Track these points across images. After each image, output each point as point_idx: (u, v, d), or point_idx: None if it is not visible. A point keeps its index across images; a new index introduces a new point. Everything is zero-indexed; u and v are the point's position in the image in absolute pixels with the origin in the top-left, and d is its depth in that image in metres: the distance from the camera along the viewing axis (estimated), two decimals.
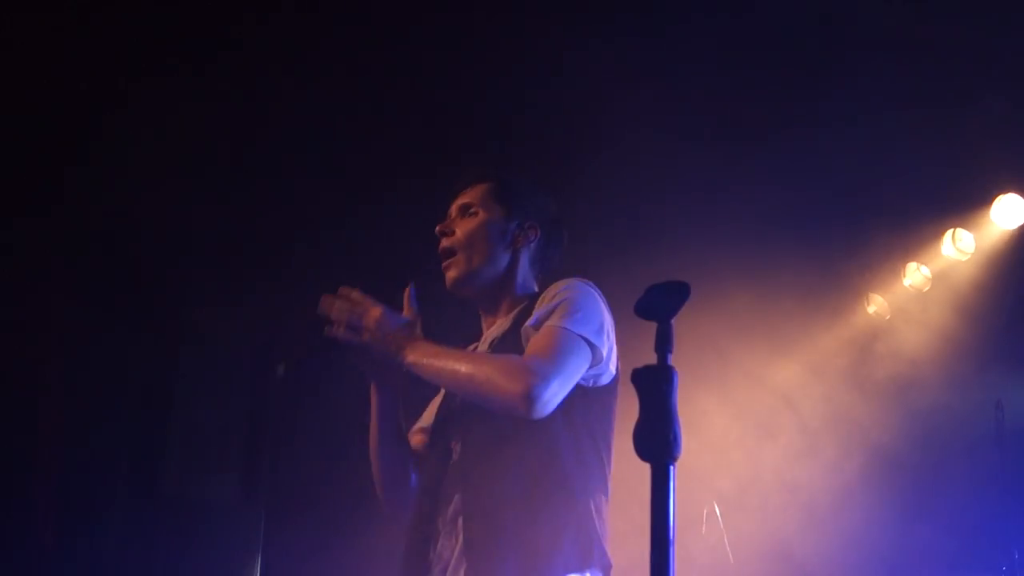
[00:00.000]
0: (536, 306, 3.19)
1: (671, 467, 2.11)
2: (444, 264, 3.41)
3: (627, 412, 2.15)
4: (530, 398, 2.91)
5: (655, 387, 2.13)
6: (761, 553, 6.33)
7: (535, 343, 3.05)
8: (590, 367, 3.09)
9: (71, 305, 6.23)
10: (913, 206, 6.49)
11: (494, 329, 3.38)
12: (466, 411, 3.19)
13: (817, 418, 6.76)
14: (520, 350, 3.11)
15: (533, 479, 3.06)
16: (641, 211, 6.43)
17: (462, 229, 3.40)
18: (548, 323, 3.07)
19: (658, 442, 2.11)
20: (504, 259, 3.40)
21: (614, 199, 6.34)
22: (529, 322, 3.13)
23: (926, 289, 6.95)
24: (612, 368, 3.20)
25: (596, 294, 3.20)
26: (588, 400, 3.16)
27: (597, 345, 3.07)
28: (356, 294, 3.18)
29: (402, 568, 3.21)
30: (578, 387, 3.08)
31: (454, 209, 3.46)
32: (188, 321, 6.78)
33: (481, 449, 3.13)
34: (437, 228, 3.43)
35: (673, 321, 2.14)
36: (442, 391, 3.44)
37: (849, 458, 6.68)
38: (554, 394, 2.95)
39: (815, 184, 6.26)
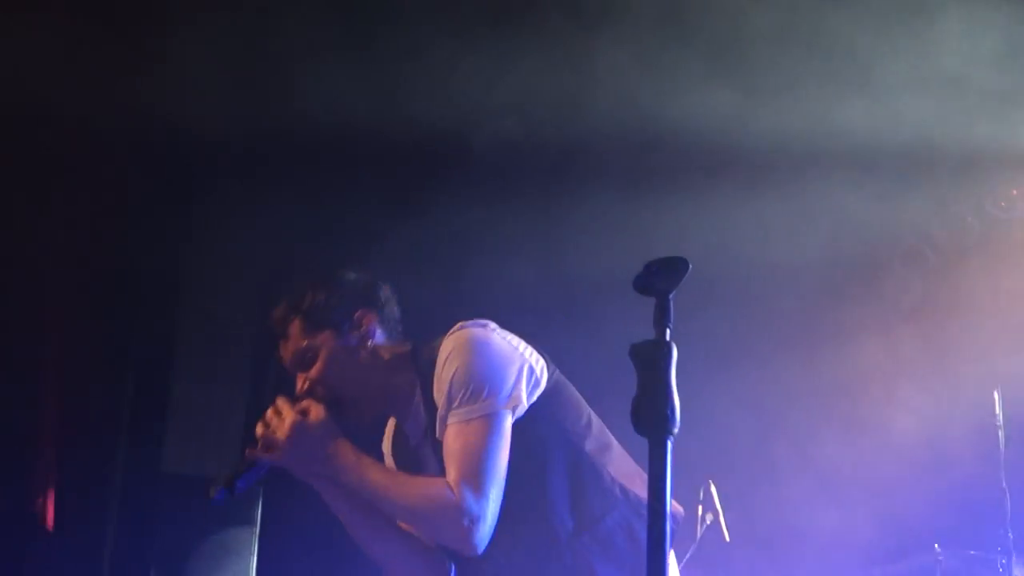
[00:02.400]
0: (435, 390, 3.01)
1: (668, 441, 2.13)
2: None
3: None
4: (470, 544, 2.88)
5: (653, 362, 2.14)
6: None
7: (452, 455, 2.90)
8: (516, 415, 2.96)
9: (70, 281, 6.24)
10: None
11: (408, 414, 3.18)
12: None
13: None
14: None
15: (575, 514, 2.98)
16: None
17: (317, 377, 3.12)
18: (453, 419, 2.92)
19: (656, 417, 2.13)
20: (364, 368, 3.14)
21: None
22: (438, 429, 2.97)
23: None
24: (542, 380, 3.04)
25: (475, 342, 3.00)
26: (553, 405, 3.05)
27: (502, 408, 2.93)
28: (280, 404, 3.05)
29: None
30: (520, 423, 2.97)
31: (288, 363, 3.17)
32: (188, 299, 6.79)
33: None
34: (296, 392, 3.15)
35: (672, 296, 2.16)
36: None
37: None
38: (491, 518, 2.88)
39: None
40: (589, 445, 3.05)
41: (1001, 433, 5.97)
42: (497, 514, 2.88)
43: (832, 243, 6.47)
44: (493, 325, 3.08)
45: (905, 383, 6.78)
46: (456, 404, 2.93)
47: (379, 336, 3.16)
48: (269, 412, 3.04)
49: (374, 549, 3.18)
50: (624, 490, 3.03)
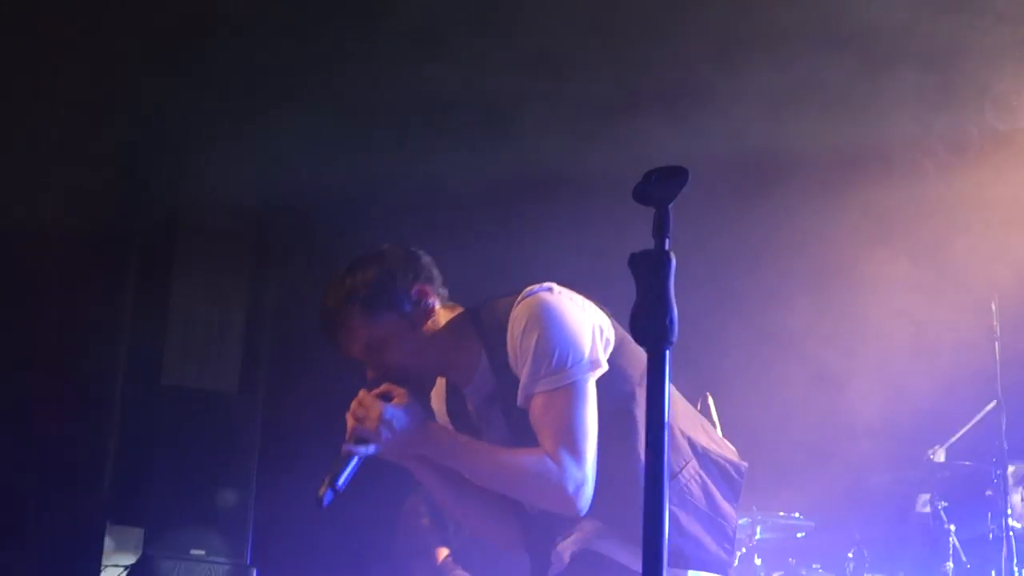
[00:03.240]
0: (510, 356, 3.03)
1: (667, 352, 2.13)
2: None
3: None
4: (577, 508, 2.93)
5: (652, 272, 2.13)
6: None
7: (545, 425, 2.95)
8: (598, 376, 2.99)
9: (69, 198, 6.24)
10: None
11: (474, 385, 3.18)
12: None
13: None
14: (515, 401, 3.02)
15: (633, 471, 2.93)
16: None
17: (379, 363, 3.12)
18: (541, 389, 2.95)
19: (655, 327, 2.13)
20: (424, 342, 3.13)
21: None
22: (520, 398, 2.99)
23: None
24: (612, 342, 3.07)
25: (551, 306, 3.01)
26: (613, 378, 3.05)
27: (588, 373, 2.97)
28: (361, 395, 3.03)
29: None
30: (600, 382, 3.00)
31: (356, 354, 3.14)
32: (187, 216, 6.78)
33: None
34: (368, 378, 3.13)
35: (671, 206, 2.15)
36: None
37: None
38: (592, 480, 2.93)
39: None
40: None
41: (997, 344, 6.00)
42: (594, 474, 2.93)
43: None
44: (557, 288, 3.07)
45: (903, 293, 6.79)
46: (541, 374, 2.95)
47: (435, 305, 3.14)
48: (354, 404, 3.01)
49: (467, 515, 3.25)
50: (692, 442, 3.11)
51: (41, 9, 5.72)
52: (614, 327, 3.09)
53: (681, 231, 2.17)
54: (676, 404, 3.15)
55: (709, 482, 3.10)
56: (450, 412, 3.28)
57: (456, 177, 6.48)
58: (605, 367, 3.00)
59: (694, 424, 3.18)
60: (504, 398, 3.08)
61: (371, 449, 2.98)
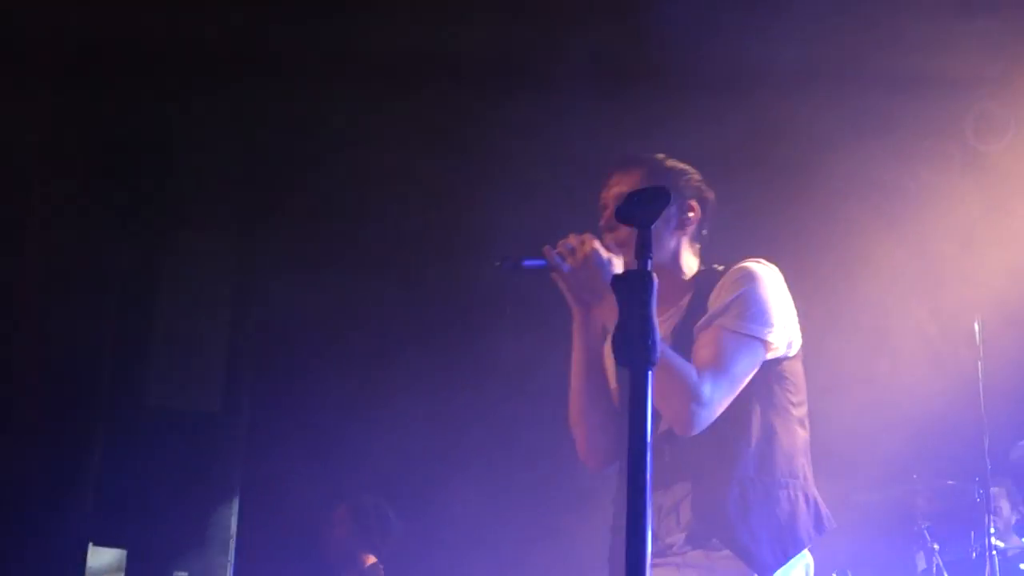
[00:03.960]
0: (712, 296, 3.29)
1: (649, 372, 2.14)
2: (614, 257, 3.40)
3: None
4: (689, 424, 3.13)
5: (635, 293, 2.16)
6: None
7: (705, 350, 3.19)
8: (768, 356, 3.26)
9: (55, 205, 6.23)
10: None
11: (670, 313, 3.43)
12: None
13: None
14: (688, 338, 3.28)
15: (758, 462, 3.24)
16: None
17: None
18: (720, 322, 3.21)
19: (637, 347, 2.15)
20: (670, 244, 3.45)
21: None
22: (701, 321, 3.25)
23: None
24: (795, 346, 3.35)
25: (771, 280, 3.31)
26: (781, 372, 3.33)
27: (766, 340, 3.22)
28: (588, 236, 3.28)
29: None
30: (768, 363, 3.27)
31: (611, 199, 3.46)
32: (173, 234, 6.76)
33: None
34: (601, 223, 3.45)
35: (653, 228, 2.16)
36: None
37: None
38: (714, 413, 3.15)
39: None
40: (796, 427, 3.34)
41: (980, 364, 6.01)
42: (720, 411, 3.16)
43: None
44: (774, 266, 3.38)
45: (886, 314, 6.80)
46: (732, 313, 3.21)
47: (691, 231, 3.48)
48: (573, 236, 3.26)
49: (577, 397, 3.46)
50: (805, 472, 3.32)
51: None
52: (800, 343, 3.38)
53: None
54: (805, 446, 3.38)
55: (804, 507, 3.28)
56: None
57: None
58: (778, 353, 3.27)
59: (809, 474, 3.37)
60: (679, 332, 3.33)
61: (563, 265, 3.22)
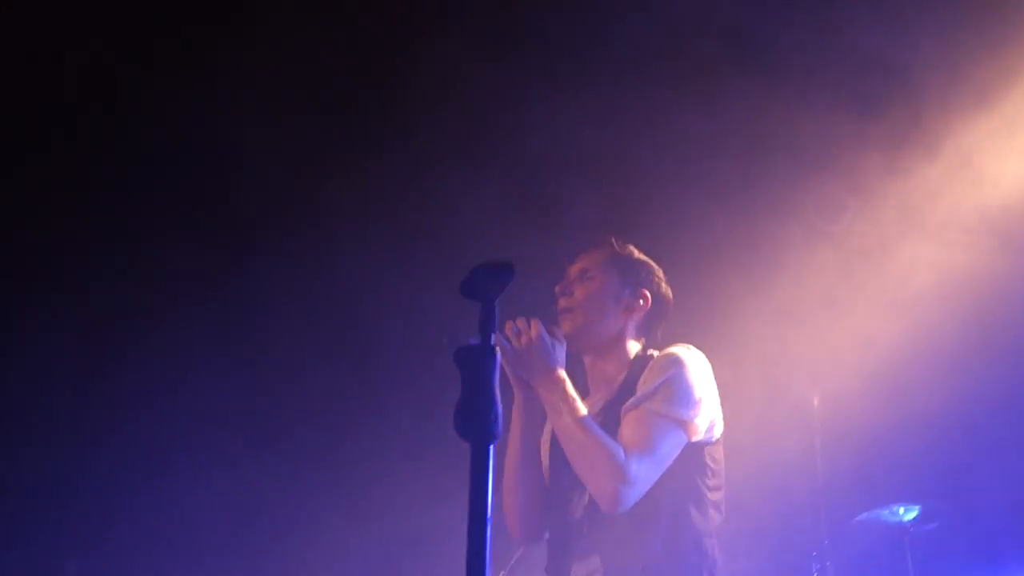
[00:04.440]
0: (641, 379, 3.46)
1: (491, 446, 2.12)
2: (561, 318, 3.64)
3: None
4: (615, 502, 3.27)
5: (477, 366, 2.14)
6: None
7: (632, 431, 3.35)
8: (689, 440, 3.41)
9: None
10: None
11: (603, 391, 3.62)
12: None
13: None
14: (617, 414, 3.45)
15: (669, 541, 3.36)
16: None
17: (581, 291, 3.65)
18: (647, 405, 3.37)
19: (479, 421, 2.13)
20: (614, 322, 3.64)
21: None
22: (629, 402, 3.41)
23: None
24: (716, 430, 3.51)
25: (696, 365, 3.48)
26: (700, 456, 3.47)
27: (689, 423, 3.38)
28: (532, 321, 3.49)
29: None
30: (689, 447, 3.41)
31: (573, 271, 3.71)
32: None
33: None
34: (557, 288, 3.68)
35: (496, 302, 2.16)
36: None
37: None
38: (639, 493, 3.29)
39: None
40: (710, 510, 3.48)
41: (818, 438, 6.12)
42: (643, 491, 3.30)
43: None
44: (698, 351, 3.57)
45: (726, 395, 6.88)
46: (659, 397, 3.37)
47: (638, 318, 3.67)
48: (521, 320, 3.48)
49: (521, 477, 3.61)
50: (713, 565, 3.41)
51: None
52: (722, 427, 3.55)
53: None
54: (717, 533, 3.50)
55: None
56: None
57: None
58: (699, 429, 3.41)
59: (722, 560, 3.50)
60: (610, 409, 3.50)
61: (507, 347, 3.42)
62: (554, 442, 3.61)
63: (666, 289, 3.77)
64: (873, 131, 6.16)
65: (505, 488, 3.62)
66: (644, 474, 3.29)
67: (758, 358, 6.64)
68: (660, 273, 3.78)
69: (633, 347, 3.67)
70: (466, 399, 2.13)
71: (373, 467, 6.75)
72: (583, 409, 3.42)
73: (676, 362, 3.44)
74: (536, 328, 3.45)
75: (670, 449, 3.36)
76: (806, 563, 6.21)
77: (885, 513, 6.06)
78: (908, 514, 6.05)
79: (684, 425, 3.37)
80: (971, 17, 5.78)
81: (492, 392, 2.12)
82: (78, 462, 6.66)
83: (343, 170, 6.33)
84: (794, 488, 6.35)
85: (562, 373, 3.46)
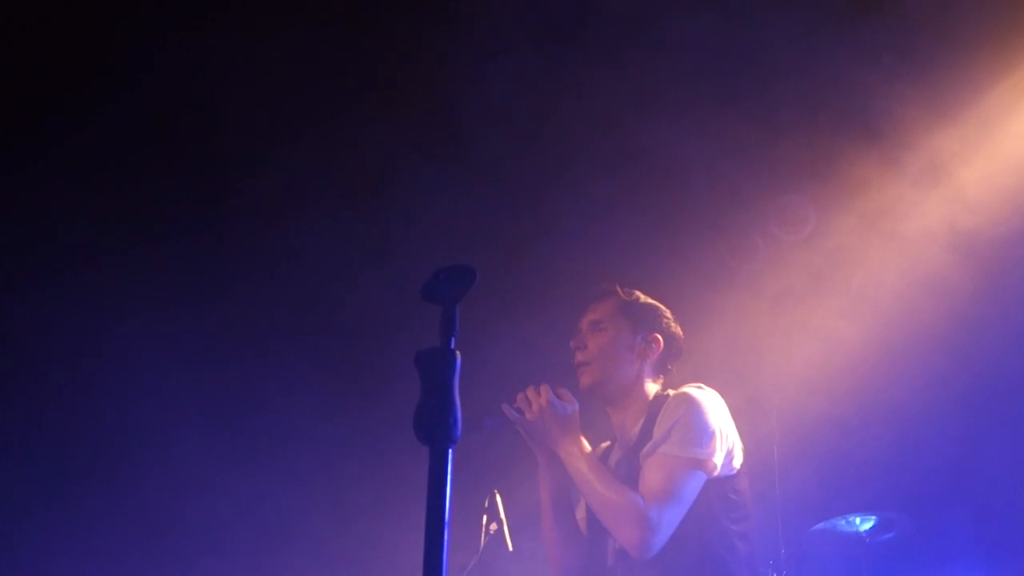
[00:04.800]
0: (656, 424, 3.56)
1: (450, 451, 2.12)
2: (579, 371, 3.79)
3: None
4: (641, 548, 3.38)
5: (438, 371, 2.13)
6: None
7: (651, 477, 3.47)
8: (709, 476, 3.50)
9: None
10: None
11: (626, 435, 3.75)
12: None
13: None
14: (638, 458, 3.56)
15: None
16: None
17: (594, 343, 3.77)
18: (663, 449, 3.48)
19: (438, 426, 2.12)
20: (631, 369, 3.76)
21: None
22: (646, 448, 3.52)
23: None
24: (735, 462, 3.60)
25: (708, 402, 3.57)
26: (723, 490, 3.56)
27: (707, 459, 3.47)
28: (543, 388, 3.63)
29: None
30: (710, 482, 3.51)
31: (585, 324, 3.83)
32: None
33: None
34: (572, 343, 3.82)
35: (457, 307, 2.15)
36: None
37: None
38: (664, 537, 3.41)
39: None
40: (736, 542, 3.55)
41: (776, 449, 6.14)
42: (669, 535, 3.41)
43: None
44: (708, 388, 3.67)
45: None
46: (674, 439, 3.47)
47: (652, 361, 3.79)
48: (530, 389, 3.62)
49: (554, 530, 3.74)
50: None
51: None
52: (743, 458, 3.64)
53: None
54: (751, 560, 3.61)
55: None
56: None
57: None
58: (717, 466, 3.49)
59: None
60: (631, 452, 3.64)
61: (521, 419, 3.57)
62: None
63: (676, 328, 3.88)
64: (840, 144, 6.21)
65: (546, 543, 3.77)
66: (667, 519, 3.40)
67: (717, 368, 6.66)
68: (668, 313, 3.89)
69: (652, 389, 3.78)
70: (425, 403, 2.12)
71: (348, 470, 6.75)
72: (601, 465, 3.58)
73: (685, 401, 3.55)
74: (546, 395, 3.59)
75: (691, 490, 3.46)
76: (763, 572, 6.24)
77: (842, 523, 6.10)
78: (865, 524, 6.08)
79: (701, 464, 3.47)
80: (934, 33, 5.82)
81: (451, 396, 2.12)
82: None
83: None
84: (752, 497, 6.36)
85: (576, 434, 3.60)
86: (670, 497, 3.42)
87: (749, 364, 6.61)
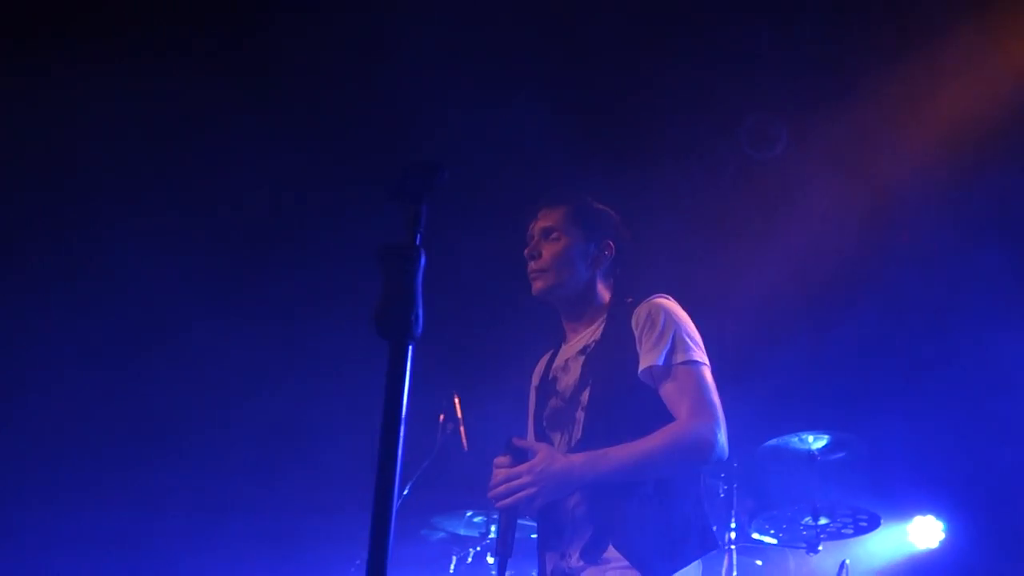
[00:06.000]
0: (637, 330, 3.58)
1: (410, 346, 2.11)
2: (532, 277, 3.79)
3: None
4: (720, 452, 3.44)
5: (401, 267, 2.12)
6: None
7: (680, 390, 3.49)
8: None
9: None
10: None
11: (582, 338, 3.76)
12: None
13: None
14: (615, 357, 3.59)
15: (657, 480, 3.48)
16: None
17: (548, 252, 3.77)
18: (677, 361, 3.51)
19: (400, 321, 2.11)
20: (584, 276, 3.78)
21: None
22: (657, 362, 3.50)
23: None
24: None
25: (683, 313, 3.65)
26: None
27: (707, 362, 3.56)
28: (502, 461, 3.52)
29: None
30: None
31: (536, 230, 3.83)
32: None
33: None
34: (525, 251, 3.81)
35: (424, 204, 2.13)
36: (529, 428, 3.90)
37: None
38: (723, 427, 3.46)
39: None
40: None
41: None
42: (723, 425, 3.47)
43: None
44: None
45: None
46: (676, 352, 3.50)
47: (605, 267, 3.81)
48: (501, 473, 3.50)
49: None
50: (697, 502, 3.58)
51: None
52: None
53: None
54: None
55: (696, 524, 3.56)
56: (541, 377, 3.87)
57: None
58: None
59: None
60: (595, 352, 3.65)
61: (536, 504, 3.47)
62: (537, 419, 3.82)
63: (626, 233, 3.90)
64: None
65: None
66: (716, 419, 3.44)
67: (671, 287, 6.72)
68: (618, 218, 3.91)
69: (604, 292, 3.81)
70: (387, 298, 2.11)
71: None
72: (617, 449, 3.44)
73: (668, 312, 3.59)
74: (504, 462, 3.51)
75: (714, 389, 3.51)
76: (714, 484, 6.32)
77: (794, 440, 6.16)
78: (817, 442, 6.15)
79: (707, 366, 3.54)
80: None
81: (414, 291, 2.11)
82: None
83: None
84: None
85: (568, 458, 3.48)
86: (709, 403, 3.46)
87: (701, 278, 6.67)
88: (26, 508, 6.74)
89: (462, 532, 6.68)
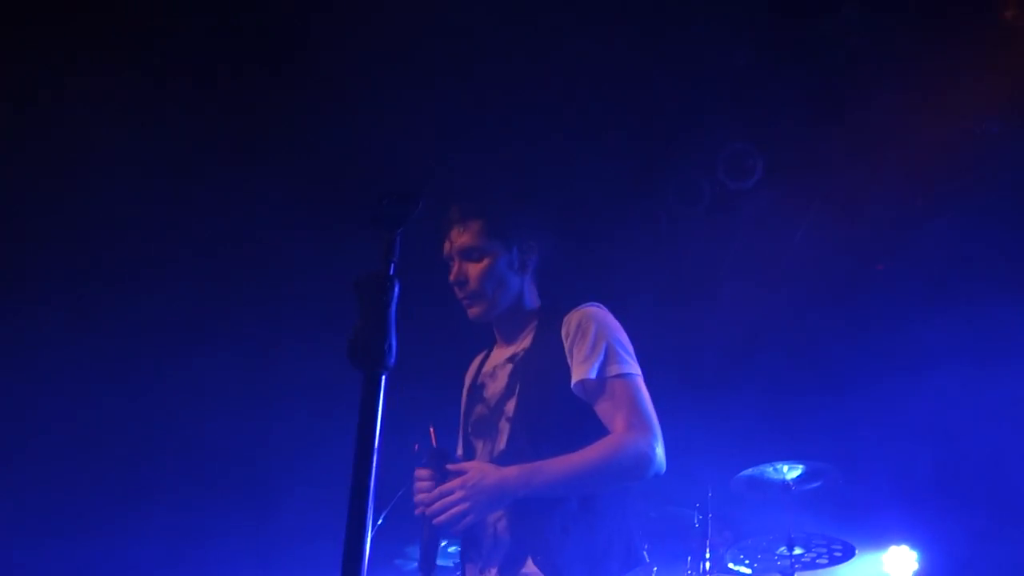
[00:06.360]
0: (567, 341, 3.47)
1: (383, 377, 2.11)
2: (465, 303, 3.61)
3: None
4: (658, 465, 3.34)
5: (376, 296, 2.11)
6: None
7: (616, 404, 3.38)
8: None
9: None
10: None
11: (512, 345, 3.66)
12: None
13: None
14: (543, 369, 3.49)
15: (582, 498, 3.38)
16: None
17: (474, 274, 3.60)
18: (611, 375, 3.39)
19: (374, 352, 2.11)
20: (515, 287, 3.64)
21: None
22: (589, 375, 3.38)
23: None
24: None
25: (615, 322, 3.53)
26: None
27: (639, 373, 3.44)
28: (424, 474, 3.44)
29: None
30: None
31: (454, 253, 3.62)
32: None
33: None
34: (451, 278, 3.61)
35: (399, 233, 2.13)
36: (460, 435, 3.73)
37: None
38: (659, 439, 3.36)
39: None
40: None
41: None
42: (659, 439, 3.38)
43: None
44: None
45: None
46: (608, 364, 3.39)
47: (532, 267, 3.67)
48: (425, 484, 3.41)
49: None
50: (623, 518, 3.47)
51: None
52: None
53: None
54: None
55: (620, 542, 3.44)
56: (472, 381, 3.74)
57: None
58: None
59: None
60: (524, 361, 3.55)
61: (468, 520, 3.32)
62: (464, 424, 3.69)
63: (543, 225, 3.74)
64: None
65: None
66: (653, 432, 3.35)
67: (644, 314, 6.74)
68: (528, 210, 3.78)
69: (533, 296, 3.69)
70: (361, 327, 2.11)
71: None
72: (550, 462, 3.33)
73: (599, 321, 3.48)
74: (424, 473, 3.43)
75: (649, 400, 3.41)
76: (688, 514, 6.32)
77: (769, 470, 6.16)
78: (792, 472, 6.15)
79: (640, 376, 3.43)
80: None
81: (387, 323, 2.10)
82: None
83: None
84: (682, 440, 6.43)
85: (509, 477, 3.33)
86: (644, 416, 3.35)
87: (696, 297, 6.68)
88: None
89: (437, 562, 6.64)
